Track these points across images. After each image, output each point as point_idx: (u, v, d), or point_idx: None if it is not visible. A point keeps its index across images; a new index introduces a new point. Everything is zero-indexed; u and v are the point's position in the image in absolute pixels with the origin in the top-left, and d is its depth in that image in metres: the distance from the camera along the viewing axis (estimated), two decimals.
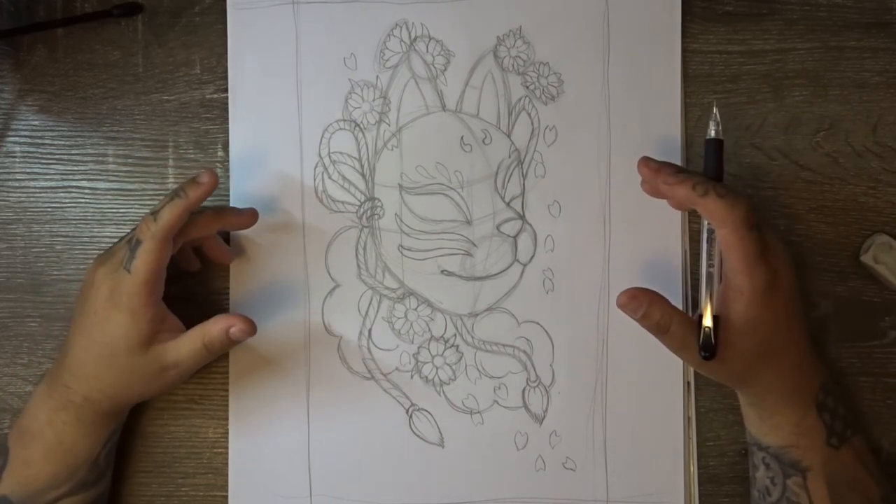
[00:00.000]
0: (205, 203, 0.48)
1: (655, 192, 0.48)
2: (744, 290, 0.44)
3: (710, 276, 0.46)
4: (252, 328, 0.48)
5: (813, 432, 0.47)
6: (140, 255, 0.46)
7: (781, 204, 0.54)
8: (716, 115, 0.46)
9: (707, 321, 0.45)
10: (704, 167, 0.46)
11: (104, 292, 0.47)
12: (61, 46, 0.55)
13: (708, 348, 0.45)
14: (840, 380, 0.53)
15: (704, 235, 0.46)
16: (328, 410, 0.53)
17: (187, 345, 0.48)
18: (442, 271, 0.53)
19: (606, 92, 0.53)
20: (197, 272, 0.54)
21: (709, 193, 0.44)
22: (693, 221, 0.53)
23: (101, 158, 0.55)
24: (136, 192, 0.55)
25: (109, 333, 0.47)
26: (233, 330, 0.47)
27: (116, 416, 0.50)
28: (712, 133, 0.46)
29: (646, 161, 0.47)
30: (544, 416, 0.53)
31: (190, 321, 0.54)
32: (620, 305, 0.46)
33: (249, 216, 0.51)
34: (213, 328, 0.47)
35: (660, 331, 0.46)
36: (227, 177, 0.54)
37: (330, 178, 0.54)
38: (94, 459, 0.49)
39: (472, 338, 0.53)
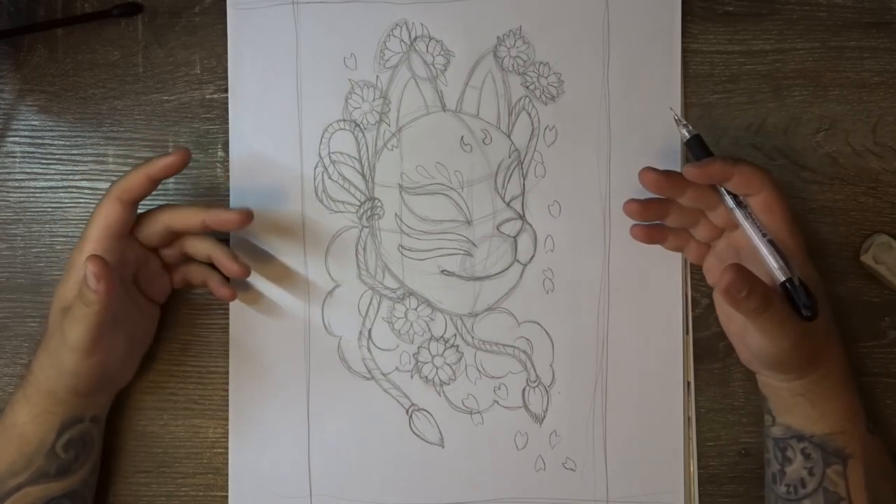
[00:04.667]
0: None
1: (671, 193, 0.48)
2: (793, 255, 0.46)
3: (772, 242, 0.45)
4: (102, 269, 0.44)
5: (857, 417, 0.47)
6: (94, 212, 0.48)
7: None
8: (675, 113, 0.49)
9: (783, 281, 0.45)
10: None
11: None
12: (61, 46, 0.55)
13: (810, 306, 0.44)
14: None
15: (739, 214, 0.46)
16: (328, 411, 0.53)
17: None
18: (442, 271, 0.53)
19: (606, 92, 0.54)
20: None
21: (740, 162, 0.45)
22: None
23: (101, 158, 0.55)
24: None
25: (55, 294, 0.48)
26: (88, 267, 0.44)
27: (60, 401, 0.48)
28: (686, 133, 0.48)
29: (650, 170, 0.47)
30: (544, 416, 0.53)
31: (189, 321, 0.54)
32: (725, 287, 0.42)
33: (238, 216, 0.48)
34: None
35: (761, 308, 0.43)
36: (228, 177, 0.54)
37: (330, 178, 0.54)
38: (48, 448, 0.48)
39: (472, 338, 0.53)
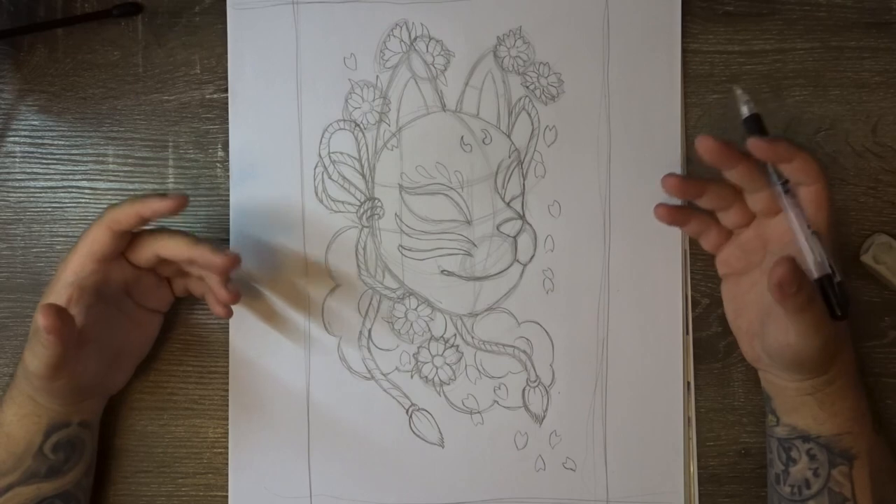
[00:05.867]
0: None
1: (724, 164, 0.45)
2: (831, 253, 0.45)
3: (816, 236, 0.44)
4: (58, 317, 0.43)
5: (864, 417, 0.47)
6: (85, 233, 0.48)
7: None
8: (741, 93, 0.46)
9: (819, 277, 0.44)
10: None
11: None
12: (61, 46, 0.55)
13: (843, 306, 0.43)
14: None
15: (788, 201, 0.45)
16: (328, 410, 0.53)
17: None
18: (442, 271, 0.53)
19: (606, 92, 0.54)
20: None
21: (803, 149, 0.44)
22: None
23: (101, 158, 0.55)
24: (136, 193, 0.55)
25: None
26: (39, 319, 0.43)
27: (43, 408, 0.48)
28: (746, 111, 0.46)
29: (708, 137, 0.44)
30: (544, 416, 0.53)
31: (189, 321, 0.54)
32: (778, 281, 0.41)
33: (224, 260, 0.47)
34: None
35: (805, 305, 0.42)
36: (228, 177, 0.54)
37: (330, 178, 0.54)
38: (36, 450, 0.48)
39: (472, 338, 0.53)
